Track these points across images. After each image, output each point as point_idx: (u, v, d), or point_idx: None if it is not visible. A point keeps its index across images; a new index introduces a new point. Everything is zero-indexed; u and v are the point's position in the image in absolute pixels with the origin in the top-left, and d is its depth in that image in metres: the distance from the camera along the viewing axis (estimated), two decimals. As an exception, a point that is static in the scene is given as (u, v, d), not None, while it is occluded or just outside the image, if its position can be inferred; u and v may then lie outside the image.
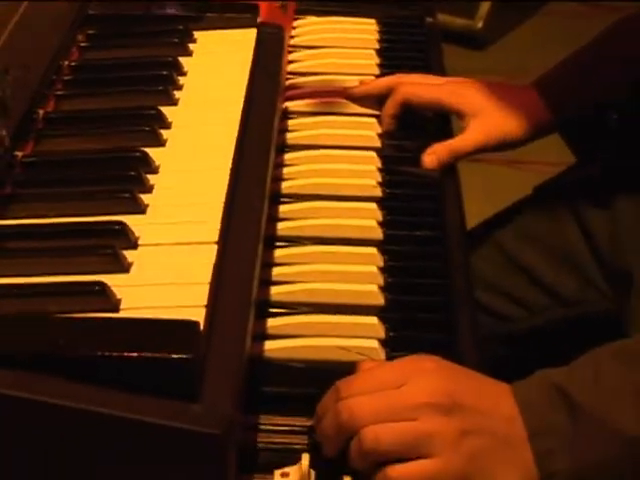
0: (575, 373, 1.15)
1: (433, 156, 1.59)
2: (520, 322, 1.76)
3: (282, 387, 1.21)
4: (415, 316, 1.31)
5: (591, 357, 1.16)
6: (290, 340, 1.25)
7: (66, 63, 1.53)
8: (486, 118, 1.66)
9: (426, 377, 1.12)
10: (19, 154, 1.32)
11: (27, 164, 1.32)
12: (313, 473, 1.10)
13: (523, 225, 1.79)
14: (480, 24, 4.24)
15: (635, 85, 1.60)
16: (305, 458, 1.10)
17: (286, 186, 1.49)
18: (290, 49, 1.81)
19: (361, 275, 1.34)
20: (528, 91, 1.72)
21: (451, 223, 1.49)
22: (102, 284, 1.10)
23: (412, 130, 1.66)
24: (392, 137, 1.64)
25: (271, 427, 1.17)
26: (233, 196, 1.27)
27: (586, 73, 1.73)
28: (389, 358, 1.23)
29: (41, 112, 1.41)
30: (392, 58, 1.84)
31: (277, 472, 1.10)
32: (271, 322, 1.27)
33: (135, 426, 0.95)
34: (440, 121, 1.71)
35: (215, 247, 1.18)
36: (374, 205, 1.46)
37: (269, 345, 1.24)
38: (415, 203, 1.51)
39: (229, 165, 1.32)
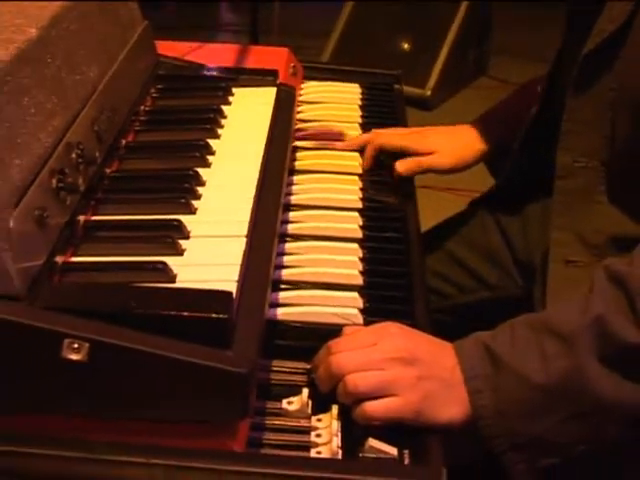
0: (498, 335, 1.14)
1: (404, 165, 1.58)
2: (456, 299, 1.73)
3: (289, 340, 1.19)
4: (385, 292, 1.28)
5: (510, 324, 1.15)
6: (295, 308, 1.23)
7: (142, 108, 1.51)
8: (442, 153, 1.64)
9: (392, 338, 1.12)
10: (108, 170, 1.30)
11: (113, 178, 1.29)
12: (310, 402, 1.09)
13: (459, 230, 1.77)
14: (429, 93, 4.23)
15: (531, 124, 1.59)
16: (305, 392, 1.10)
17: (294, 198, 1.47)
18: (298, 103, 1.78)
19: (346, 263, 1.32)
20: (467, 131, 1.70)
21: (411, 228, 1.46)
22: (164, 263, 1.08)
23: (385, 162, 1.63)
24: (370, 167, 1.61)
25: (281, 369, 1.15)
26: (258, 203, 1.25)
27: (499, 120, 1.73)
28: (366, 322, 1.21)
29: (124, 141, 1.39)
30: (370, 111, 1.81)
31: (284, 400, 1.09)
32: (282, 295, 1.25)
33: (185, 365, 0.93)
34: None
35: (245, 239, 1.15)
36: (356, 214, 1.43)
37: (281, 311, 1.22)
38: (386, 213, 1.48)
39: (255, 181, 1.29)
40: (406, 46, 4.46)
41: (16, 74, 1.08)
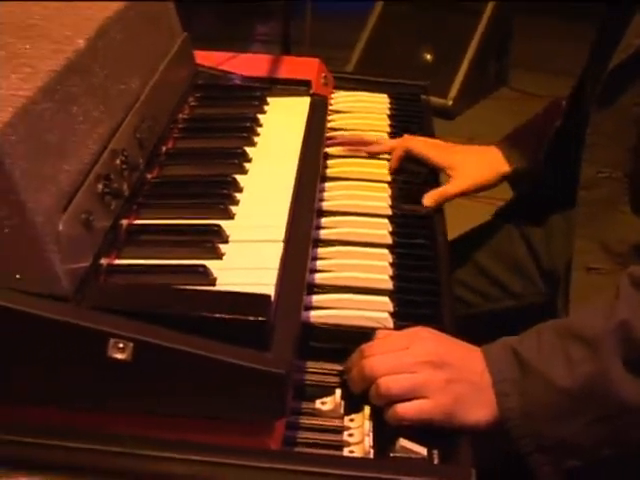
0: (524, 340, 1.14)
1: (431, 198, 1.55)
2: (480, 307, 1.73)
3: (322, 342, 1.19)
4: (414, 297, 1.27)
5: (536, 329, 1.15)
6: (329, 311, 1.22)
7: (181, 116, 1.51)
8: (464, 172, 1.63)
9: (423, 342, 1.12)
10: (149, 176, 1.30)
11: (154, 183, 1.30)
12: (343, 403, 1.09)
13: (485, 240, 1.77)
14: (450, 102, 4.23)
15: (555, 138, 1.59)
16: (338, 393, 1.10)
17: (326, 205, 1.46)
18: (329, 112, 1.78)
19: (377, 268, 1.31)
20: (493, 150, 1.69)
21: (438, 234, 1.46)
22: (204, 266, 1.08)
23: (412, 171, 1.63)
24: (398, 174, 1.61)
25: (315, 370, 1.15)
26: (293, 209, 1.25)
27: (525, 141, 1.70)
28: (396, 326, 1.21)
29: (164, 148, 1.39)
30: (398, 121, 1.81)
31: (318, 401, 1.10)
32: (316, 298, 1.24)
33: (226, 366, 0.93)
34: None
35: (282, 244, 1.15)
36: (386, 220, 1.43)
37: (314, 314, 1.21)
38: (415, 220, 1.48)
39: (291, 187, 1.30)
40: (429, 57, 4.46)
41: (65, 83, 1.09)
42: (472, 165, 1.65)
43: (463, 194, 1.63)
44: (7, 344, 0.94)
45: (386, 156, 1.65)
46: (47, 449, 0.93)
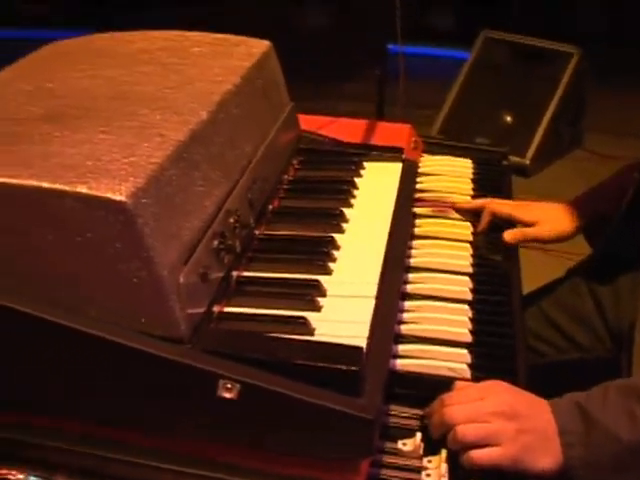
0: (591, 396, 1.16)
1: (511, 234, 1.60)
2: (550, 358, 1.73)
3: (406, 389, 1.21)
4: (490, 351, 1.30)
5: (602, 387, 1.17)
6: (413, 360, 1.25)
7: (286, 177, 1.56)
8: (545, 225, 1.66)
9: (497, 395, 1.16)
10: (256, 232, 1.35)
11: (261, 239, 1.35)
12: (422, 445, 1.12)
13: (555, 295, 1.77)
14: (528, 162, 4.22)
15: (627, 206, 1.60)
16: (418, 435, 1.13)
17: (413, 261, 1.49)
18: (417, 174, 1.81)
19: (457, 322, 1.34)
20: (568, 206, 1.71)
21: (514, 292, 1.48)
22: (304, 318, 1.12)
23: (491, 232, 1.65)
24: (479, 235, 1.63)
25: (398, 413, 1.18)
26: (385, 267, 1.28)
27: (596, 200, 1.72)
28: (473, 377, 1.23)
29: (270, 207, 1.44)
30: (481, 184, 1.82)
31: (400, 442, 1.12)
32: (401, 347, 1.27)
33: (322, 410, 0.97)
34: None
35: (374, 300, 1.19)
36: (467, 278, 1.45)
37: (399, 362, 1.25)
38: (492, 278, 1.49)
39: (384, 246, 1.34)
40: (509, 119, 4.47)
41: (189, 151, 1.15)
42: (552, 220, 1.68)
43: (540, 240, 1.67)
44: (131, 381, 1.00)
45: (469, 217, 1.67)
46: (152, 470, 1.01)
